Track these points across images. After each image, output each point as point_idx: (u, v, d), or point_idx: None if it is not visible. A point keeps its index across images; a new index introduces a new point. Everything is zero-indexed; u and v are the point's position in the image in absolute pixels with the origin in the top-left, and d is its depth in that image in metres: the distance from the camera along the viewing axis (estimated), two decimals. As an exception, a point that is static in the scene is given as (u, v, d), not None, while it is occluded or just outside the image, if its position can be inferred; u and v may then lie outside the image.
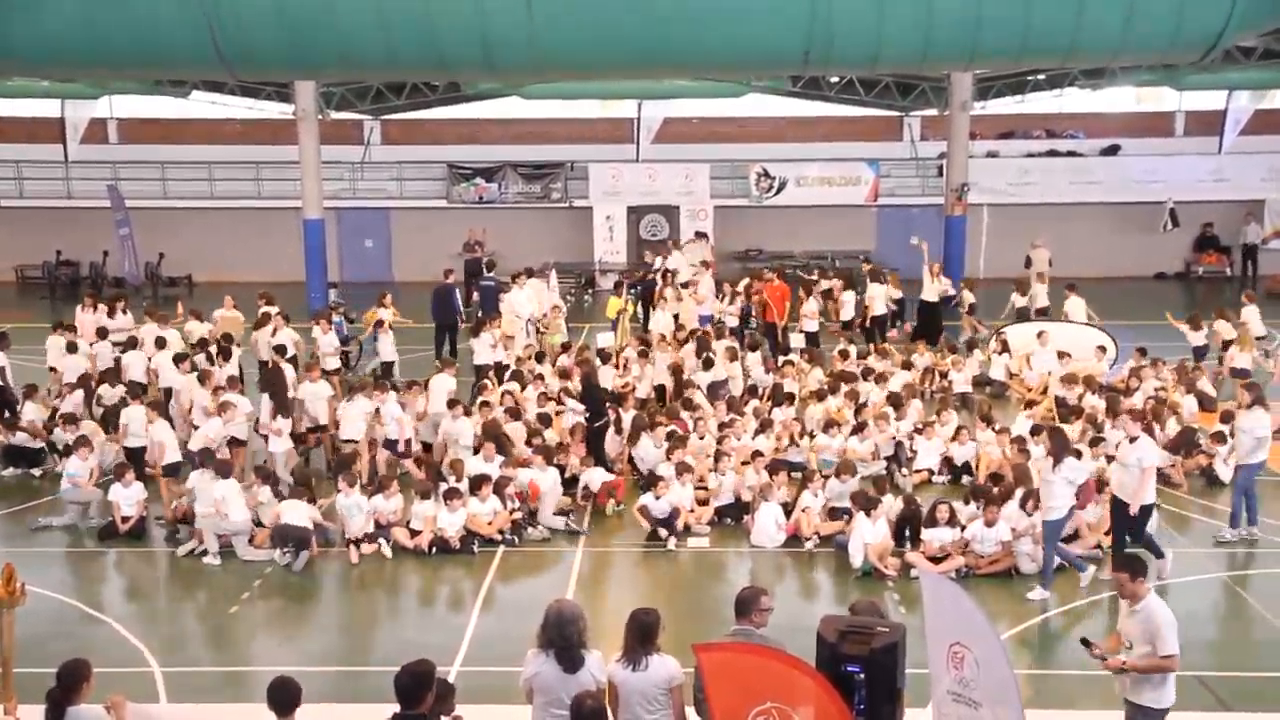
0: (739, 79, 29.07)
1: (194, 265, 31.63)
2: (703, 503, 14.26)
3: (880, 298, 22.97)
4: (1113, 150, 33.18)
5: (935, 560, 12.44)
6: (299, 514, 13.26)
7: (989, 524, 12.60)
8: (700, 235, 30.71)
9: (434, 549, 13.35)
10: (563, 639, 7.00)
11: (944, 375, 19.29)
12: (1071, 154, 33.07)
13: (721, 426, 15.83)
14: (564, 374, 17.33)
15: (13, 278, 33.10)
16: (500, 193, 31.92)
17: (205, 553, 13.29)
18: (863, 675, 7.27)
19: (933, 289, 22.94)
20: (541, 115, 34.14)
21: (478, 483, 13.90)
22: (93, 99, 31.68)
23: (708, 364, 17.93)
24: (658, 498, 13.74)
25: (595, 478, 14.78)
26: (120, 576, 13.38)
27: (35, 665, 8.76)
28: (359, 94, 31.67)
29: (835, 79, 30.72)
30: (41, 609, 11.88)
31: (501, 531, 13.63)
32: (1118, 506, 12.20)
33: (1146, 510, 12.11)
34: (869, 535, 12.69)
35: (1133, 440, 12.08)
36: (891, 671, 7.54)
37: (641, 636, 7.11)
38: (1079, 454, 12.97)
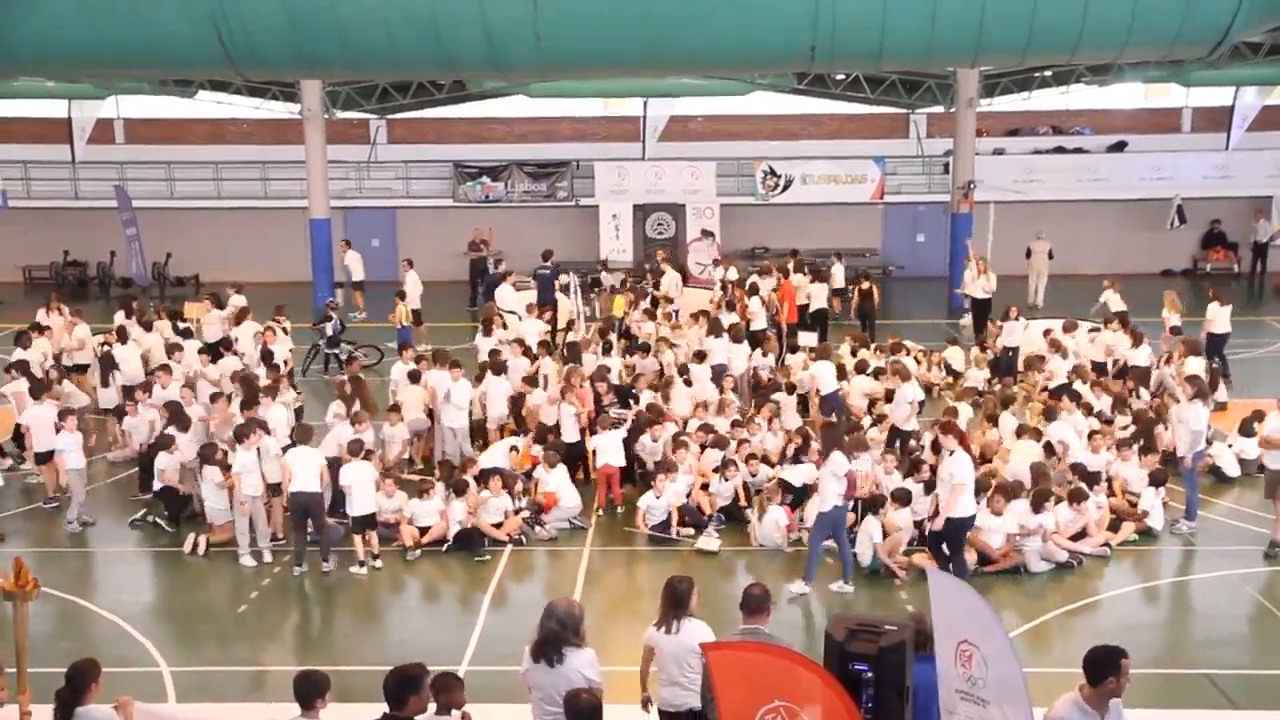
0: (744, 76, 29.03)
1: (201, 265, 31.66)
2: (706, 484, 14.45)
3: (821, 295, 23.37)
4: (1120, 147, 33.10)
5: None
6: (310, 467, 12.87)
7: (996, 513, 12.66)
8: (706, 234, 30.73)
9: (447, 545, 13.39)
10: (540, 632, 7.17)
11: (949, 370, 19.28)
12: (1078, 151, 32.95)
13: (734, 425, 15.80)
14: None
15: (20, 278, 33.19)
16: (506, 191, 31.90)
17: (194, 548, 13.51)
18: (871, 674, 7.27)
19: (978, 285, 23.23)
20: (547, 114, 34.14)
21: (485, 477, 13.96)
22: (99, 99, 31.75)
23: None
24: (658, 496, 13.75)
25: (607, 445, 14.75)
26: (128, 576, 13.38)
27: (44, 665, 8.77)
28: (365, 93, 31.69)
29: (841, 76, 30.68)
30: (50, 608, 11.92)
31: (510, 535, 13.65)
32: (951, 523, 12.08)
33: (956, 524, 11.96)
34: (876, 535, 12.68)
35: (950, 453, 12.06)
36: (900, 670, 7.53)
37: (675, 602, 7.57)
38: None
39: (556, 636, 7.14)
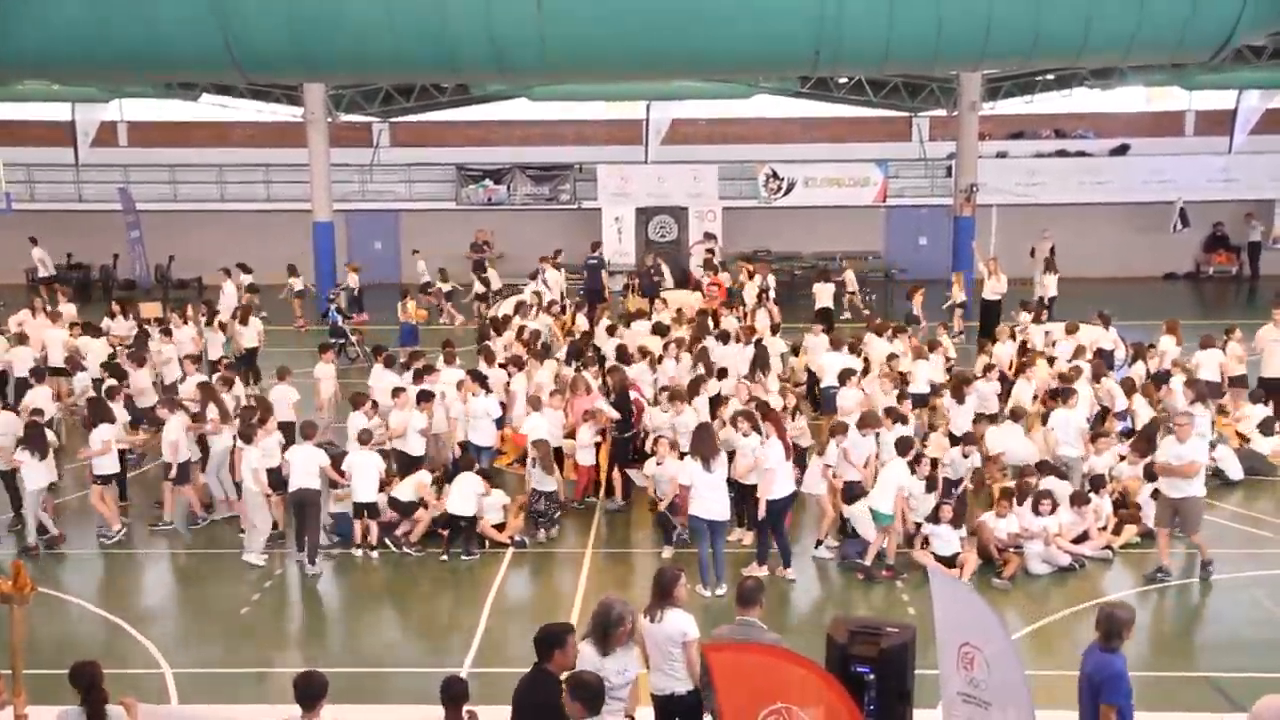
0: (748, 80, 29.08)
1: (204, 267, 31.68)
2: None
3: (826, 294, 23.89)
4: (1122, 150, 33.11)
5: (946, 563, 12.47)
6: (310, 464, 12.95)
7: (999, 515, 12.71)
8: (709, 236, 30.75)
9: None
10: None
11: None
12: (1081, 154, 33.00)
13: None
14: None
15: (24, 280, 33.20)
16: (509, 194, 31.96)
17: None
18: (872, 676, 7.28)
19: (990, 287, 23.38)
20: (550, 117, 34.20)
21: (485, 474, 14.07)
22: (103, 102, 31.82)
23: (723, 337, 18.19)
24: (659, 463, 13.54)
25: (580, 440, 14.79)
26: (130, 577, 13.40)
27: (46, 667, 8.79)
28: (368, 96, 31.73)
29: (844, 80, 30.72)
30: (51, 610, 11.94)
31: (512, 538, 13.65)
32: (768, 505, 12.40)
33: (770, 505, 12.23)
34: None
35: (765, 439, 12.45)
36: (901, 672, 7.54)
37: (659, 591, 7.88)
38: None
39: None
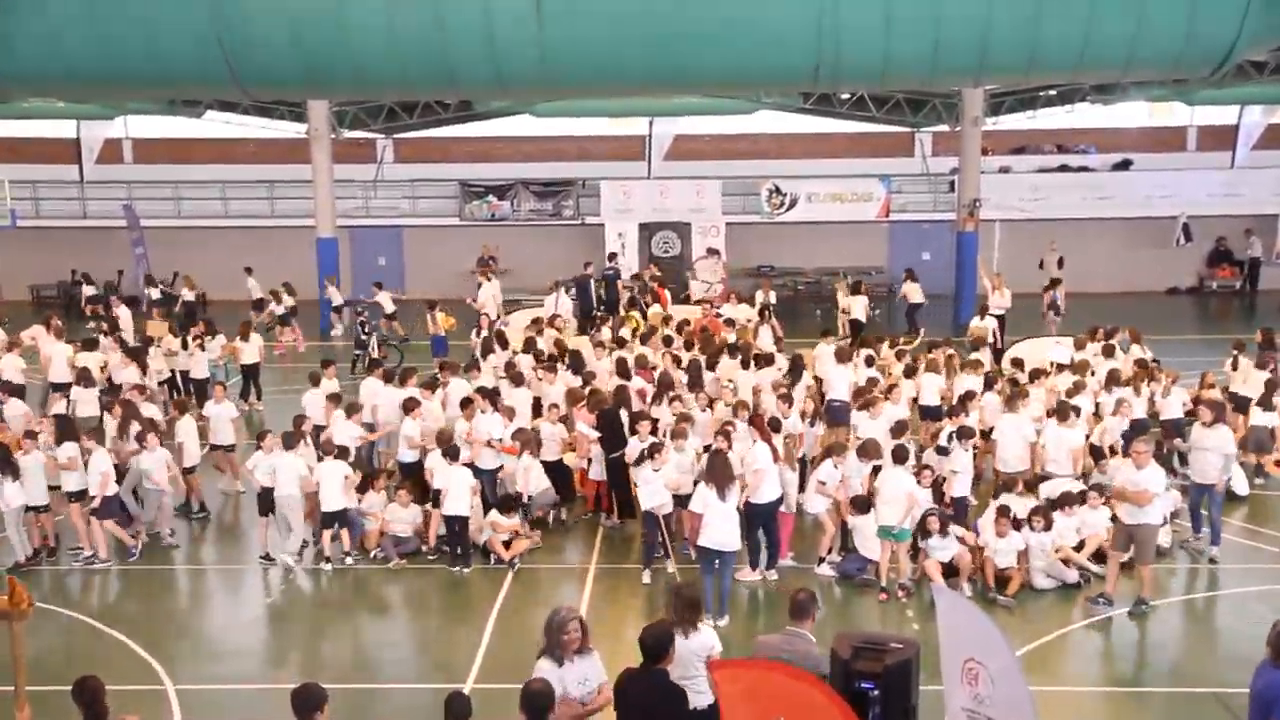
0: (749, 95, 29.15)
1: (208, 284, 31.77)
2: None
3: (859, 307, 24.39)
4: (1125, 165, 33.14)
5: (947, 569, 12.45)
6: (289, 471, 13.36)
7: (1000, 535, 12.64)
8: (712, 252, 30.78)
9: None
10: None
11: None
12: (1084, 169, 33.03)
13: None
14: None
15: (28, 297, 33.31)
16: (512, 210, 32.02)
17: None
18: (876, 692, 7.27)
19: (994, 302, 23.44)
20: (553, 133, 34.28)
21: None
22: (108, 119, 31.95)
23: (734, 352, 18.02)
24: (656, 469, 13.13)
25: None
26: (131, 592, 13.39)
27: (50, 683, 8.78)
28: (371, 113, 31.85)
29: (846, 95, 30.78)
30: (52, 625, 11.93)
31: (513, 560, 13.62)
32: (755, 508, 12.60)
33: (759, 509, 12.47)
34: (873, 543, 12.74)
35: (753, 442, 12.69)
36: (905, 688, 7.52)
37: (688, 607, 8.00)
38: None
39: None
